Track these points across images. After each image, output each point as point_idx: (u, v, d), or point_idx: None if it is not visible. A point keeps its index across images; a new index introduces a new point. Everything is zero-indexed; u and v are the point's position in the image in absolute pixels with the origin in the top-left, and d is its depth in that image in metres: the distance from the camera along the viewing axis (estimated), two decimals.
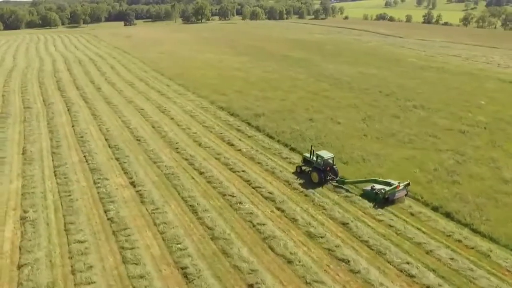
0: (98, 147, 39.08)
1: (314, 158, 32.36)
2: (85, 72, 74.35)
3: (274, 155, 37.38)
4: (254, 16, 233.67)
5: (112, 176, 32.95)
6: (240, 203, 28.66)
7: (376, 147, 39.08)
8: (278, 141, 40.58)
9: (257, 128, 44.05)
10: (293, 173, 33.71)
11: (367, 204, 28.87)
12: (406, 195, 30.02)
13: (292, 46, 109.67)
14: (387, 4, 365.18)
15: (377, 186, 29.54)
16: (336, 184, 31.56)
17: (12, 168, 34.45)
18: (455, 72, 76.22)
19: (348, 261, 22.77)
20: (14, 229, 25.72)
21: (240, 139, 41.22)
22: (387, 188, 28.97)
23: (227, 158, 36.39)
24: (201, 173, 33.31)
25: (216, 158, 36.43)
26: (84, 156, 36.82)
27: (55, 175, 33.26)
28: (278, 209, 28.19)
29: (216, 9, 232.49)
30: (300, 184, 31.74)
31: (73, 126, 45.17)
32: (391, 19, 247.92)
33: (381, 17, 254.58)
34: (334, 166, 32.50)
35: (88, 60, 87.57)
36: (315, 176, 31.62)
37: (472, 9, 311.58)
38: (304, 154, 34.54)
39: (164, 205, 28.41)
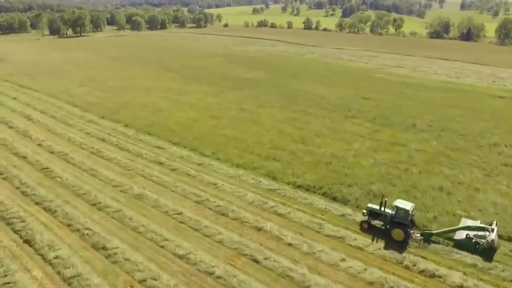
0: None
1: (389, 211, 27.01)
2: None
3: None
4: (136, 26, 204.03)
5: None
6: None
7: None
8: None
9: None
10: (360, 229, 27.42)
11: None
12: None
13: (232, 63, 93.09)
14: (254, 11, 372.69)
15: (471, 233, 25.67)
16: (421, 237, 26.25)
17: None
18: (440, 89, 72.23)
19: None
20: None
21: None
22: (490, 234, 24.95)
23: None
24: None
25: None
26: None
27: None
28: None
29: None
30: None
31: None
32: (273, 25, 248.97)
33: (262, 24, 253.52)
34: (413, 216, 27.38)
35: None
36: (399, 234, 26.11)
37: (331, 15, 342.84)
38: (369, 205, 28.35)
39: None
